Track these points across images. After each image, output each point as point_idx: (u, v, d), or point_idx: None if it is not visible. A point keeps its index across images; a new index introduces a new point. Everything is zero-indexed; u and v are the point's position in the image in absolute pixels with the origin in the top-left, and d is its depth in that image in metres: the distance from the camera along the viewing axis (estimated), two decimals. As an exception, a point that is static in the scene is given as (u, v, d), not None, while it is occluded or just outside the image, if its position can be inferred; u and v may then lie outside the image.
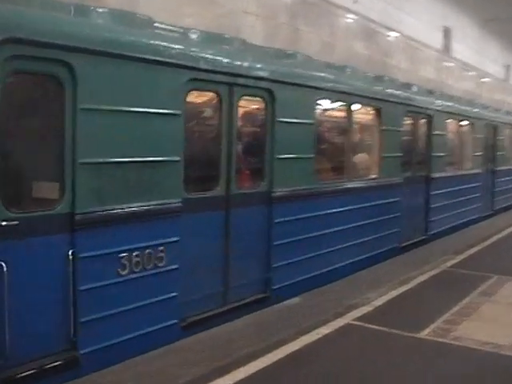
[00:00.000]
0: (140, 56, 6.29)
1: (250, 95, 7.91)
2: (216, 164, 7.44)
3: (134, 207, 6.31)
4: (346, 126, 10.11)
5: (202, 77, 7.04)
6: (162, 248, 6.64)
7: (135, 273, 6.36)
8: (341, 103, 9.92)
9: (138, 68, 6.31)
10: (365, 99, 10.49)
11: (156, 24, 7.07)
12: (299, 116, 8.61)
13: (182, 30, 7.52)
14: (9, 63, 5.24)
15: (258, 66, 8.00)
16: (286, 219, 8.37)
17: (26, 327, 5.48)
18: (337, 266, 9.54)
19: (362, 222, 10.28)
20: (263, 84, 7.97)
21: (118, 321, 6.21)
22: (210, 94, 7.39)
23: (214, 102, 7.41)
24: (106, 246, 6.08)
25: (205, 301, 7.34)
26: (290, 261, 8.46)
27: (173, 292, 6.80)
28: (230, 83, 7.42)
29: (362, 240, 10.31)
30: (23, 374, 5.47)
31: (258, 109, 8.16)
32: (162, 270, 6.65)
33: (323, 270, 9.16)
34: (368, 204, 10.45)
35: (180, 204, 6.80)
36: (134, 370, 5.96)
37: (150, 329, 6.54)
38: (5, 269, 5.23)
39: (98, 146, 5.97)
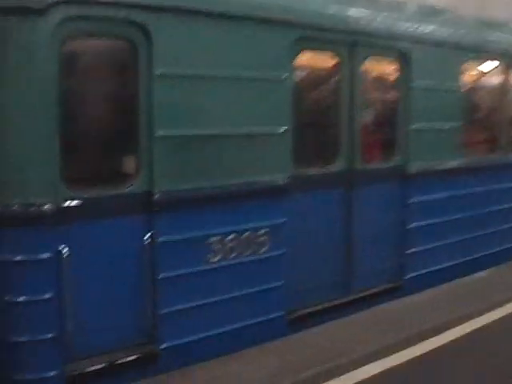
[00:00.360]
0: (230, 12, 5.09)
1: (378, 56, 6.43)
2: (335, 135, 6.11)
3: (228, 185, 5.21)
4: (502, 93, 8.15)
5: (314, 35, 5.72)
6: (264, 231, 5.48)
7: (229, 260, 5.27)
8: (498, 66, 8.01)
9: (230, 26, 5.12)
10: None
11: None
12: (441, 80, 6.97)
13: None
14: (69, 25, 4.30)
15: (389, 22, 6.46)
16: (424, 199, 6.81)
17: (93, 318, 4.62)
18: (482, 254, 7.70)
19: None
20: (395, 44, 6.45)
21: (206, 313, 5.16)
22: (328, 55, 6.02)
23: (333, 65, 6.04)
24: (191, 229, 5.02)
25: (320, 291, 6.09)
26: (427, 247, 6.91)
27: (277, 281, 5.62)
28: (351, 42, 6.01)
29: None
30: (92, 368, 4.61)
31: (388, 72, 6.64)
32: (263, 256, 5.50)
33: (466, 259, 7.44)
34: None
35: (287, 181, 5.58)
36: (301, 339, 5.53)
37: (248, 323, 5.43)
38: (66, 254, 4.38)
39: (180, 117, 4.90)
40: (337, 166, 6.09)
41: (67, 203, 4.40)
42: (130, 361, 4.81)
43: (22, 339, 4.38)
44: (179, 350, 5.03)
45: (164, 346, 4.96)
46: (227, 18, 5.09)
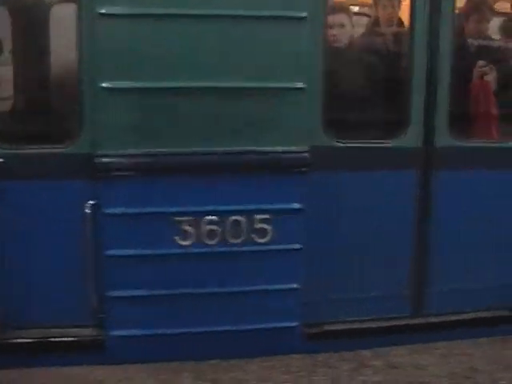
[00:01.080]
0: None
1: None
2: (400, 98, 4.10)
3: (205, 153, 3.80)
4: None
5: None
6: (263, 217, 3.93)
7: (207, 246, 3.90)
8: None
9: None
10: None
11: None
12: None
13: None
14: None
15: None
16: None
17: (19, 287, 3.81)
18: None
19: None
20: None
21: (176, 305, 3.91)
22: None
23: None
24: (150, 202, 3.80)
25: (367, 305, 4.20)
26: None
27: (286, 283, 4.00)
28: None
29: None
30: (19, 340, 3.85)
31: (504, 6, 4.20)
32: (265, 247, 3.94)
33: None
34: None
35: (307, 154, 3.90)
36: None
37: (234, 328, 3.97)
38: None
39: (129, 65, 3.66)
40: (403, 140, 4.08)
41: (-13, 160, 3.72)
42: (66, 341, 3.93)
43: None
44: (134, 341, 3.92)
45: (113, 333, 3.91)
46: None
